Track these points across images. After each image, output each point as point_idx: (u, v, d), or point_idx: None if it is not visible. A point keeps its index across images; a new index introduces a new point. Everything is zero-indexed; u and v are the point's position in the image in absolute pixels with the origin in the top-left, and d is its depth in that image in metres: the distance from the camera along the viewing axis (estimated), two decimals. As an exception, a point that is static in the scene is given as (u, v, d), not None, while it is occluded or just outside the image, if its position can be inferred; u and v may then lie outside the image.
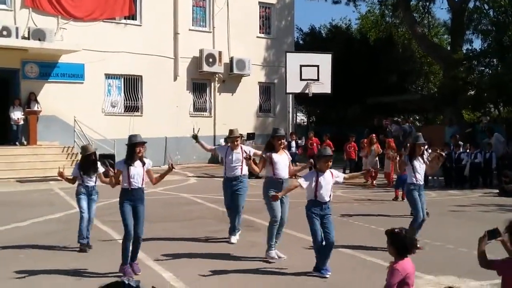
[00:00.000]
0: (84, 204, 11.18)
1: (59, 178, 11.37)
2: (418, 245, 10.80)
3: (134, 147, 9.35)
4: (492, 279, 8.87)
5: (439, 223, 14.17)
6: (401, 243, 5.74)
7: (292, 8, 35.20)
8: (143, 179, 9.45)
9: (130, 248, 9.33)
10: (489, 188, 20.97)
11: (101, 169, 11.33)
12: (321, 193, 9.18)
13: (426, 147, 13.24)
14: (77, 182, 11.28)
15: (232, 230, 11.93)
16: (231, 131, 12.07)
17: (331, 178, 9.31)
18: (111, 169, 9.90)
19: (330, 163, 9.37)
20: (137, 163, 9.40)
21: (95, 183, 11.26)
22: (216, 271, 9.48)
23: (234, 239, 11.85)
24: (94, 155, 11.38)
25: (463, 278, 8.99)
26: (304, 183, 9.24)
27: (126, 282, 3.42)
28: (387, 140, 23.13)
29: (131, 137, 9.50)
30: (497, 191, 19.83)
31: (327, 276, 9.11)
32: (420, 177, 11.37)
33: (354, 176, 10.39)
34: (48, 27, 25.94)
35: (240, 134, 12.15)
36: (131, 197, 9.34)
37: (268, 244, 10.28)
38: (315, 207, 9.22)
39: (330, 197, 9.33)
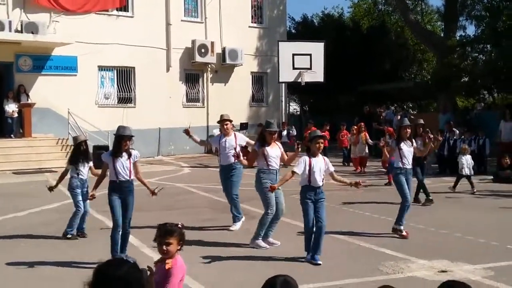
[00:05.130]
0: (80, 198, 11.23)
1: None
2: (404, 233, 10.92)
3: (121, 140, 9.27)
4: (485, 263, 8.98)
5: (433, 209, 14.28)
6: (184, 236, 5.54)
7: (284, -3, 35.16)
8: (130, 171, 9.37)
9: (119, 241, 9.35)
10: (483, 175, 21.01)
11: (91, 162, 11.43)
12: (314, 178, 9.26)
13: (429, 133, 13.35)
14: (69, 175, 11.32)
15: (234, 218, 12.05)
16: (221, 116, 12.14)
17: (323, 163, 9.39)
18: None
19: (322, 145, 9.44)
20: (124, 155, 9.33)
21: (88, 175, 11.34)
22: (211, 258, 9.54)
23: (233, 227, 11.94)
24: (85, 143, 11.45)
25: (456, 262, 9.06)
26: (298, 170, 9.30)
27: (124, 259, 3.47)
28: (386, 128, 23.21)
29: (119, 129, 9.40)
30: (492, 177, 19.89)
31: (320, 262, 9.16)
32: (407, 161, 11.37)
33: (342, 180, 10.14)
34: (41, 20, 25.87)
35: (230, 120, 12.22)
36: (120, 190, 9.33)
37: (257, 233, 10.31)
38: (310, 192, 9.29)
39: (322, 181, 9.38)
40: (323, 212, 9.36)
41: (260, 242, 10.25)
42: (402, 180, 11.25)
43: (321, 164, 9.35)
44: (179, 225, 5.52)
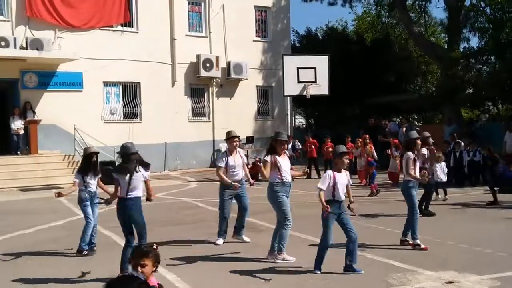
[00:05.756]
0: (90, 211, 11.26)
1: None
2: (420, 244, 10.91)
3: (131, 156, 9.32)
4: (492, 273, 8.99)
5: (439, 220, 14.28)
6: (159, 257, 5.39)
7: (288, 11, 35.29)
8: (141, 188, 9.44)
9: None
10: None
11: (99, 174, 11.46)
12: (338, 192, 9.34)
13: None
14: (78, 188, 11.33)
15: (241, 229, 12.09)
16: (229, 132, 12.13)
17: (345, 177, 9.51)
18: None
19: (347, 160, 9.58)
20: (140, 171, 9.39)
21: (97, 187, 11.35)
22: (219, 271, 9.57)
23: (247, 238, 12.03)
24: (96, 156, 11.47)
25: (463, 273, 9.06)
26: (323, 185, 9.34)
27: (135, 275, 3.50)
28: (392, 141, 23.26)
29: (127, 147, 9.42)
30: (497, 188, 19.85)
31: (362, 271, 9.28)
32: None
33: (349, 195, 10.04)
34: (46, 36, 25.98)
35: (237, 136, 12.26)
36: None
37: (281, 247, 10.26)
38: (334, 206, 9.33)
39: (344, 196, 9.48)
40: (350, 222, 9.49)
41: (287, 256, 10.21)
42: (414, 193, 11.36)
43: (344, 180, 9.47)
44: (154, 246, 5.42)
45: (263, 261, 10.23)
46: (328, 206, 9.24)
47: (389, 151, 23.29)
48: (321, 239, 9.50)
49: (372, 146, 22.98)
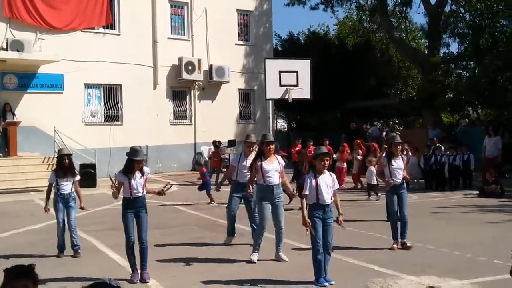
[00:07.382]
0: (61, 215, 11.21)
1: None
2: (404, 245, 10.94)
3: (134, 163, 9.51)
4: (473, 278, 9.01)
5: (420, 224, 14.27)
6: (38, 277, 4.56)
7: (270, 15, 35.31)
8: (143, 188, 9.65)
9: (135, 256, 9.52)
10: (469, 190, 21.12)
11: (77, 177, 11.41)
12: (322, 196, 8.90)
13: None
14: (53, 191, 11.30)
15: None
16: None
17: (330, 180, 9.05)
18: (115, 184, 9.63)
19: (327, 162, 9.05)
20: (137, 173, 9.58)
21: (71, 190, 11.27)
22: (200, 276, 9.49)
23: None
24: (67, 157, 11.41)
25: (444, 278, 9.07)
26: (305, 190, 9.01)
27: (108, 282, 3.45)
28: (372, 144, 23.30)
29: (132, 152, 9.57)
30: (477, 192, 20.00)
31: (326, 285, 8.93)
32: (396, 178, 11.50)
33: (337, 205, 9.72)
34: (27, 37, 25.81)
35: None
36: (133, 206, 9.54)
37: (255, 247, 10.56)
38: (318, 210, 8.93)
39: (331, 199, 9.04)
40: (331, 233, 9.05)
41: (254, 256, 10.48)
42: (392, 197, 11.40)
43: (328, 181, 9.01)
44: (32, 265, 4.65)
45: (243, 264, 10.20)
46: (310, 222, 8.84)
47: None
48: (312, 246, 9.04)
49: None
